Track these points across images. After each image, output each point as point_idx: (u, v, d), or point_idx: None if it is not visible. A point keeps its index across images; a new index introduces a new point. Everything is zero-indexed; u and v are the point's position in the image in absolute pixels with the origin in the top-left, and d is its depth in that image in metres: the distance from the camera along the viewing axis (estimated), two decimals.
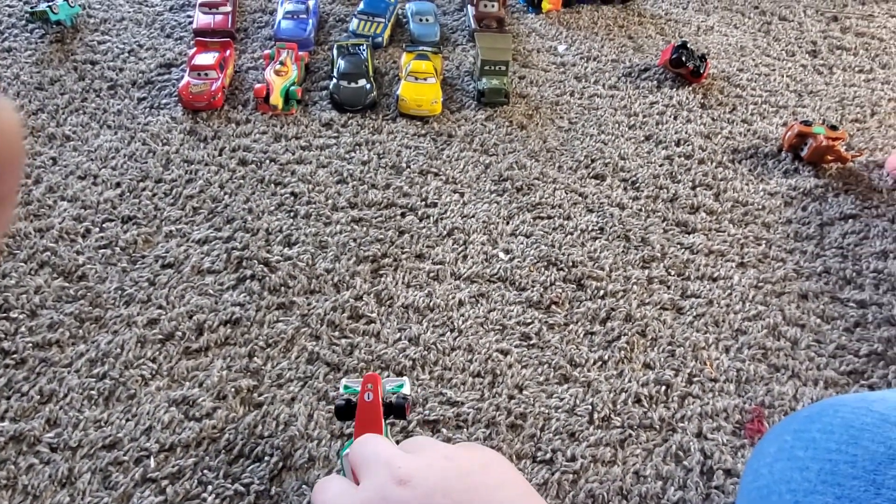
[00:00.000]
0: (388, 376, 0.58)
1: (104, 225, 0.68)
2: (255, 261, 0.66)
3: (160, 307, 0.62)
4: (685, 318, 0.65)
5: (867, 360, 0.63)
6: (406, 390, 0.50)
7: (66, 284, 0.62)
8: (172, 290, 0.63)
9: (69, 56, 0.86)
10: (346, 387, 0.51)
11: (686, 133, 0.85)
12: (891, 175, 0.81)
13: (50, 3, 0.87)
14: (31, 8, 0.88)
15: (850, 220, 0.76)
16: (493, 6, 0.96)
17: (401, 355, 0.60)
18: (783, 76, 0.96)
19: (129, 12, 0.94)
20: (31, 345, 0.58)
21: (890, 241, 0.74)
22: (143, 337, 0.59)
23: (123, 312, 0.61)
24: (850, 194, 0.79)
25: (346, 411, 0.49)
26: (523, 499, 0.35)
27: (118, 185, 0.72)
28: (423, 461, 0.35)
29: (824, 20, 1.08)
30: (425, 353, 0.60)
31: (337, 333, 0.61)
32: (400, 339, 0.61)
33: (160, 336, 0.59)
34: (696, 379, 0.61)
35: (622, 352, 0.62)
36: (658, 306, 0.66)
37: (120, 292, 0.62)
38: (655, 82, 0.93)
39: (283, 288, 0.64)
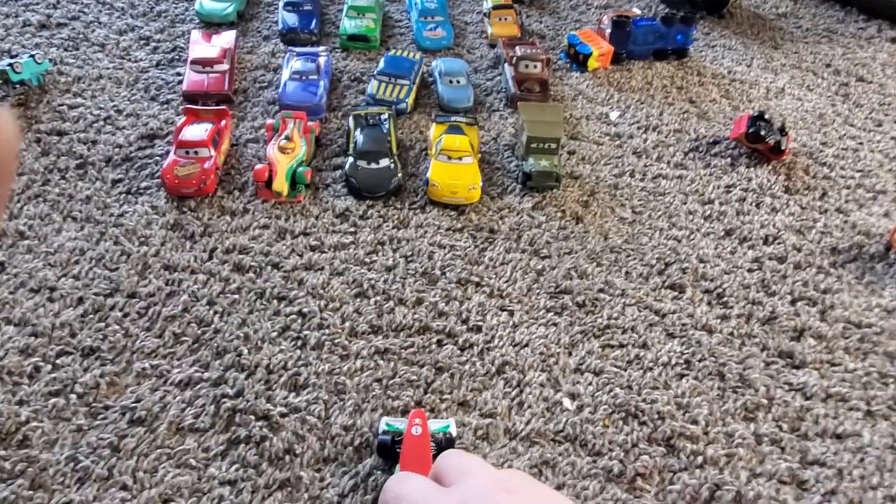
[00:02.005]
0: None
1: (58, 361, 0.53)
2: (252, 416, 0.51)
3: (124, 488, 0.46)
4: (811, 497, 0.50)
5: None
6: (452, 431, 0.50)
7: (3, 453, 0.47)
8: (142, 459, 0.48)
9: (32, 125, 0.72)
10: (387, 424, 0.50)
11: (774, 227, 0.71)
12: None
13: (12, 62, 0.73)
14: None
15: None
16: (535, 67, 0.82)
17: None
18: (873, 151, 0.82)
19: (107, 69, 0.80)
20: None
21: None
22: None
23: (75, 497, 0.45)
24: None
25: (390, 447, 0.48)
26: None
27: (80, 301, 0.57)
28: (528, 479, 0.33)
29: None
30: None
31: None
32: None
33: None
34: None
35: None
36: (774, 479, 0.51)
37: (72, 464, 0.47)
38: (728, 159, 0.79)
39: (287, 456, 0.49)
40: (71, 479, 0.47)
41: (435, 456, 0.44)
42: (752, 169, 0.78)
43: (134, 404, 0.51)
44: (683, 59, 0.95)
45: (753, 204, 0.74)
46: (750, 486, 0.50)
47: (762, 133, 0.77)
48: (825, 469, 0.51)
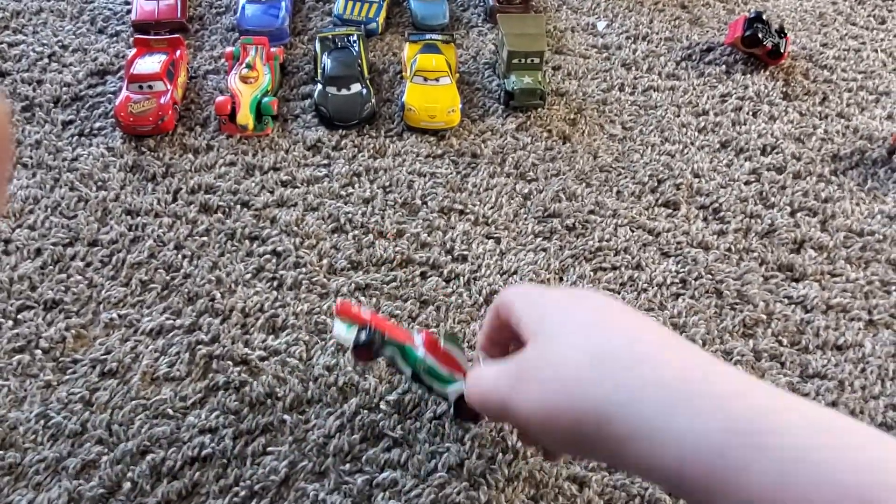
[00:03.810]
0: None
1: (20, 316, 0.50)
2: (230, 361, 0.48)
3: (100, 442, 0.44)
4: None
5: None
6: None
7: None
8: (116, 412, 0.46)
9: None
10: (345, 327, 0.42)
11: (772, 136, 0.67)
12: None
13: None
14: None
15: None
16: None
17: (440, 495, 0.43)
18: (876, 51, 0.78)
19: (48, 1, 0.73)
20: None
21: None
22: (76, 493, 0.42)
23: (48, 455, 0.43)
24: None
25: (370, 341, 0.41)
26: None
27: (38, 252, 0.54)
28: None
29: None
30: (472, 491, 0.43)
31: (348, 466, 0.44)
32: (435, 468, 0.44)
33: (101, 490, 0.42)
34: None
35: None
36: None
37: (43, 421, 0.45)
38: (723, 66, 0.74)
39: (268, 400, 0.47)
40: (43, 436, 0.44)
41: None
42: (748, 76, 0.73)
43: (104, 356, 0.48)
44: None
45: (750, 113, 0.69)
46: None
47: (760, 36, 0.72)
48: (826, 381, 0.50)
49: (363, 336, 0.41)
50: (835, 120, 0.69)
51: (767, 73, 0.74)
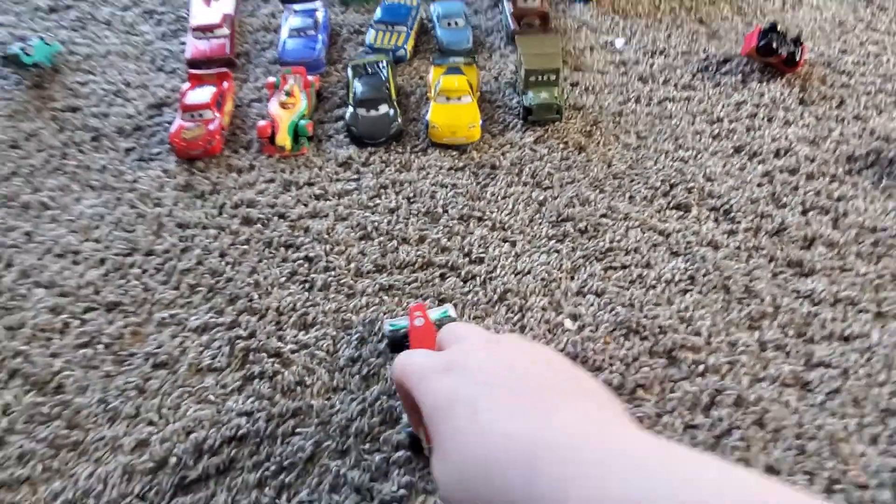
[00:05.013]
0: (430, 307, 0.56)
1: (85, 316, 0.57)
2: (265, 353, 0.54)
3: (151, 423, 0.50)
4: (814, 397, 0.49)
5: None
6: (452, 314, 0.54)
7: (40, 399, 0.51)
8: (166, 397, 0.51)
9: (47, 103, 0.75)
10: (391, 325, 0.53)
11: (786, 140, 0.69)
12: None
13: (23, 45, 0.76)
14: (2, 53, 0.77)
15: None
16: (534, 0, 0.81)
17: None
18: None
19: (115, 44, 0.83)
20: None
21: None
22: (129, 466, 0.47)
23: (107, 434, 0.49)
24: None
25: (399, 341, 0.52)
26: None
27: (102, 262, 0.61)
28: (518, 337, 0.39)
29: None
30: None
31: (368, 445, 0.48)
32: None
33: (150, 464, 0.48)
34: (838, 487, 0.46)
35: (736, 452, 0.47)
36: (777, 382, 0.50)
37: (103, 406, 0.51)
38: (740, 76, 0.76)
39: (298, 387, 0.52)
40: (103, 418, 0.50)
41: None
42: (764, 84, 0.75)
43: (156, 350, 0.54)
44: None
45: (765, 119, 0.71)
46: (752, 391, 0.50)
47: (774, 45, 0.74)
48: (829, 370, 0.51)
49: (391, 336, 0.52)
50: (851, 122, 0.70)
51: (784, 80, 0.75)
